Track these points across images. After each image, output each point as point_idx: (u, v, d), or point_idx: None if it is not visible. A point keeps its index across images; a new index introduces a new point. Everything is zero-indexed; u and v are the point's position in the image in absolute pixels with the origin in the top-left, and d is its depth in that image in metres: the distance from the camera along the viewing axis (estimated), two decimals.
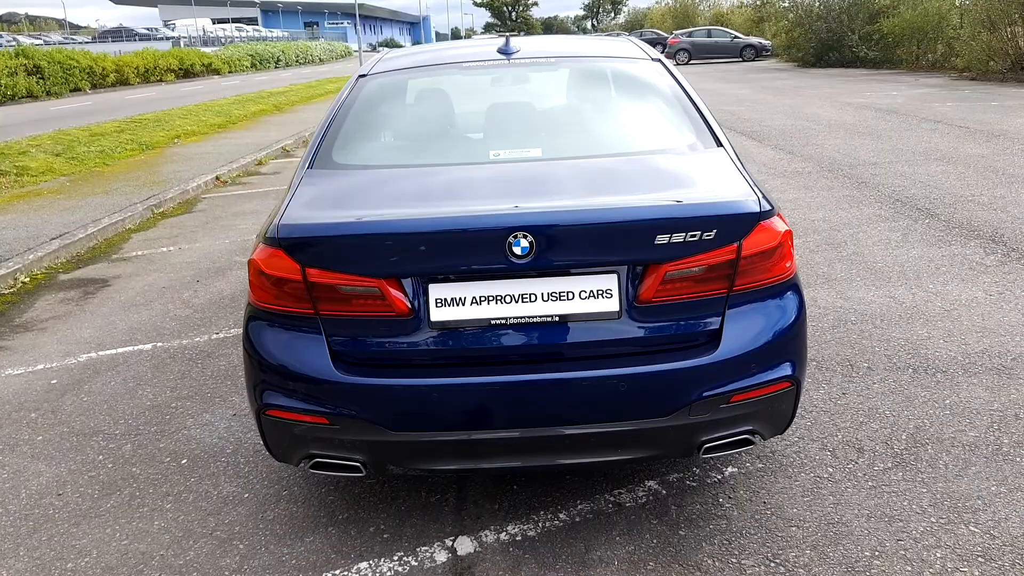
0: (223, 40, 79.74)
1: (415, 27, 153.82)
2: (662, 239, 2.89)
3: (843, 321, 5.52)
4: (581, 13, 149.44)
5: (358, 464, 3.11)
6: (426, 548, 3.38)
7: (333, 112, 3.95)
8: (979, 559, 3.11)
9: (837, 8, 34.69)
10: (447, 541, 3.42)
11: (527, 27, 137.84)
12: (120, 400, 4.91)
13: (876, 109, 17.53)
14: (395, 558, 3.33)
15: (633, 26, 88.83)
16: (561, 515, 3.53)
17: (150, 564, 3.37)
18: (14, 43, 48.35)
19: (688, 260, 2.94)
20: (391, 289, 2.94)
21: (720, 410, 3.00)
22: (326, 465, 3.17)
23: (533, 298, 2.96)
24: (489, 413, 2.97)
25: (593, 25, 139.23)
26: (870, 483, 3.65)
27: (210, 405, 4.78)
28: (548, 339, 2.99)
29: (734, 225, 2.96)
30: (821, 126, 15.42)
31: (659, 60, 4.34)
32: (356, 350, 3.03)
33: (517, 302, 2.95)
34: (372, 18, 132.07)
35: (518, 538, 3.40)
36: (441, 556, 3.33)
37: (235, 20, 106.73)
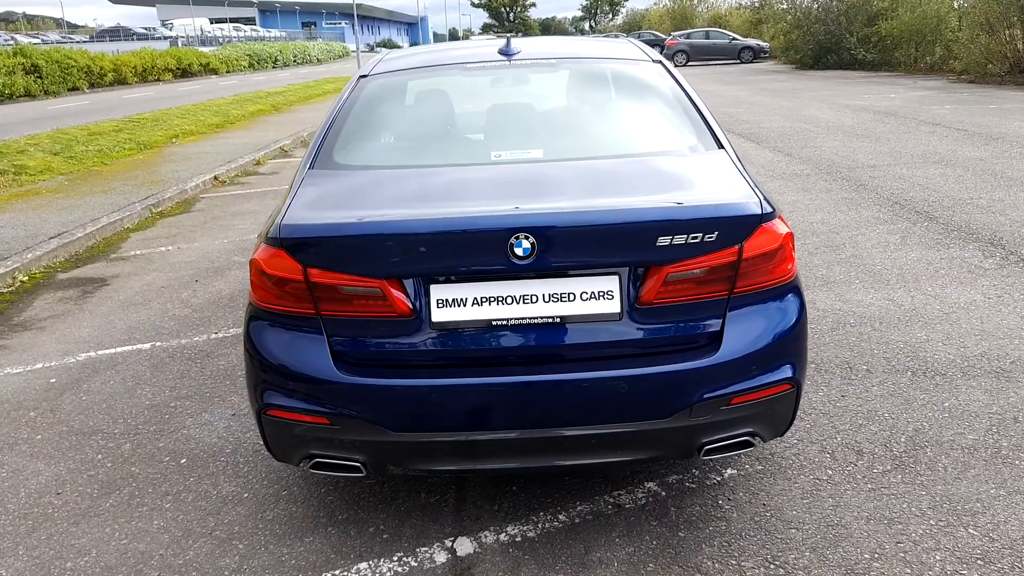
0: (221, 40, 79.73)
1: (413, 27, 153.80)
2: (664, 241, 2.90)
3: (842, 323, 5.53)
4: (579, 14, 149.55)
5: (358, 464, 3.11)
6: (426, 549, 3.38)
7: (334, 112, 3.95)
8: (978, 561, 3.12)
9: (835, 10, 34.72)
10: (447, 542, 3.42)
11: (525, 28, 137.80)
12: (119, 399, 4.90)
13: (874, 111, 17.55)
14: (395, 558, 3.33)
15: (631, 27, 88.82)
16: (561, 516, 3.54)
17: (149, 563, 3.37)
18: (12, 42, 48.24)
19: (690, 262, 2.94)
20: (392, 290, 2.94)
21: (720, 412, 3.00)
22: (326, 465, 3.17)
23: (534, 299, 2.96)
24: (490, 414, 2.97)
25: (591, 26, 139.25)
26: (869, 485, 3.65)
27: (209, 405, 4.77)
28: (549, 340, 2.99)
29: (736, 227, 2.97)
30: (819, 128, 15.44)
31: (660, 62, 4.35)
32: (357, 350, 3.03)
33: (518, 303, 2.96)
34: (370, 18, 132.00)
35: (518, 539, 3.40)
36: (441, 557, 3.33)
37: (233, 20, 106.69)
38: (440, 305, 2.95)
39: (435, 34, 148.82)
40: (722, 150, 3.57)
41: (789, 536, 3.33)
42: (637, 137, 3.91)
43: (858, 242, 7.54)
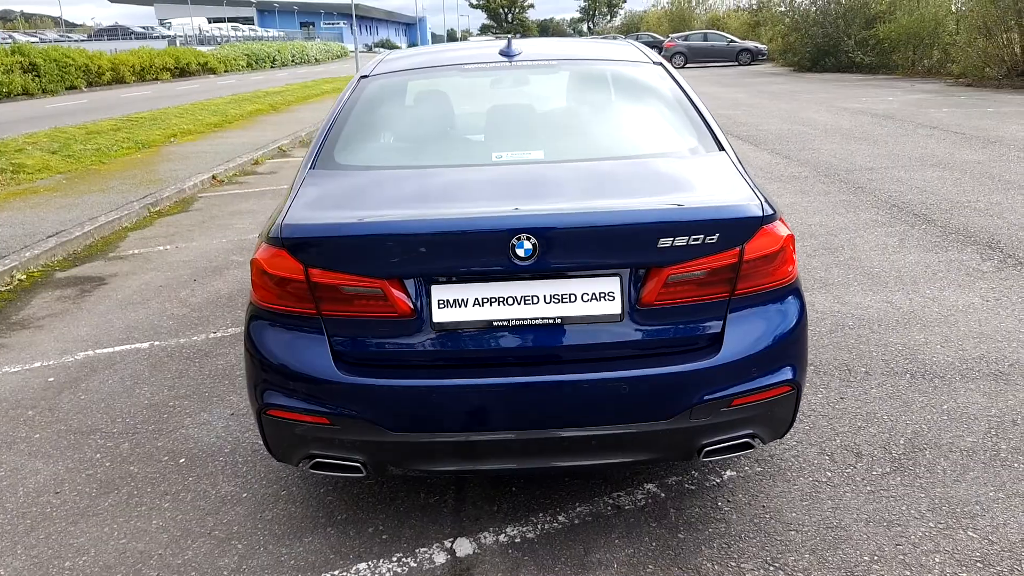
0: (219, 39, 79.71)
1: (411, 28, 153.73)
2: (665, 242, 2.90)
3: (840, 326, 5.53)
4: (577, 15, 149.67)
5: (358, 464, 3.11)
6: (425, 549, 3.38)
7: (335, 113, 3.94)
8: (978, 564, 3.12)
9: (833, 13, 34.77)
10: (446, 542, 3.42)
11: (523, 29, 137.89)
12: (118, 398, 4.90)
13: (872, 114, 17.57)
14: (394, 559, 3.32)
15: (629, 29, 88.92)
16: (560, 517, 3.54)
17: (148, 563, 3.36)
18: (10, 40, 48.18)
19: (691, 264, 2.94)
20: (394, 290, 2.94)
21: (721, 414, 3.01)
22: (326, 465, 3.17)
23: (535, 300, 2.96)
24: (491, 415, 2.97)
25: (589, 28, 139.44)
26: (868, 487, 3.65)
27: (208, 404, 4.77)
28: (550, 341, 2.99)
29: (737, 229, 2.97)
30: (817, 131, 15.45)
31: (660, 64, 4.35)
32: (358, 350, 3.03)
33: (519, 304, 2.96)
34: (368, 19, 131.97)
35: (517, 540, 3.40)
36: (440, 557, 3.33)
37: (231, 19, 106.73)
38: (441, 305, 2.95)
39: (433, 35, 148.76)
40: (723, 152, 3.58)
41: (788, 538, 3.33)
42: (638, 139, 3.91)
43: (856, 244, 7.55)
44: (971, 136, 13.77)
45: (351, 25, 53.24)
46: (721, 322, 3.03)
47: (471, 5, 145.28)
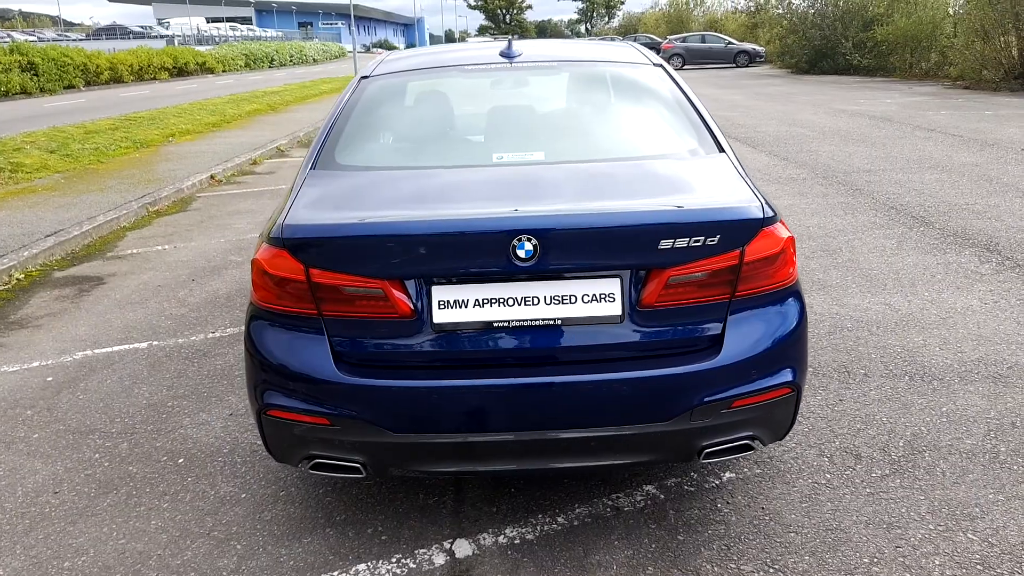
0: (217, 39, 79.67)
1: (409, 28, 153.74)
2: (666, 244, 2.90)
3: (839, 328, 5.54)
4: (575, 17, 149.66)
5: (358, 465, 3.10)
6: (424, 550, 3.37)
7: (336, 113, 3.94)
8: (978, 566, 3.12)
9: (831, 15, 34.84)
10: (445, 544, 3.41)
11: (521, 30, 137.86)
12: (116, 398, 4.89)
13: (870, 117, 17.59)
14: (393, 560, 3.32)
15: (627, 31, 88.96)
16: (559, 519, 3.53)
17: (147, 564, 3.36)
18: (8, 39, 48.12)
19: (691, 265, 2.94)
20: (394, 291, 2.93)
21: (721, 415, 3.00)
22: (326, 466, 3.16)
23: (536, 301, 2.96)
24: (491, 416, 2.97)
25: (587, 29, 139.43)
26: (868, 489, 3.65)
27: (207, 404, 4.76)
28: (550, 342, 2.99)
29: (737, 231, 2.97)
30: (815, 133, 15.47)
31: (661, 66, 4.35)
32: (358, 351, 3.03)
33: (520, 305, 2.95)
34: (366, 19, 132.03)
35: (516, 541, 3.40)
36: (439, 559, 3.32)
37: (229, 19, 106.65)
38: (442, 306, 2.95)
39: (431, 35, 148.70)
40: (723, 154, 3.58)
41: (788, 540, 3.33)
42: (639, 140, 3.92)
43: (854, 246, 7.55)
44: (969, 139, 13.79)
45: (349, 25, 53.23)
46: (721, 324, 3.03)
47: (469, 6, 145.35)
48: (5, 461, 4.23)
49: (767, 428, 3.18)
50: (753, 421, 3.10)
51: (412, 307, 2.95)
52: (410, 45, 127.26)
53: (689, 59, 43.80)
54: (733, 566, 3.19)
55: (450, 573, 3.24)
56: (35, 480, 4.03)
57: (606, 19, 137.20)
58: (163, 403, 4.81)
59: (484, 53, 4.54)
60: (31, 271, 7.79)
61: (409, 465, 3.15)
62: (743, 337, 3.03)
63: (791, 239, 3.11)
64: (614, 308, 2.96)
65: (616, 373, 2.95)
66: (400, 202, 3.23)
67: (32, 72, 32.89)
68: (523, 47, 4.48)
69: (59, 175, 12.66)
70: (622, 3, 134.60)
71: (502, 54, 4.35)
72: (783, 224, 3.11)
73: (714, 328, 3.04)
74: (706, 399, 2.95)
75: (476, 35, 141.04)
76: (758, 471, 3.83)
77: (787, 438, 3.95)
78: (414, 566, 3.28)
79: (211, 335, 5.89)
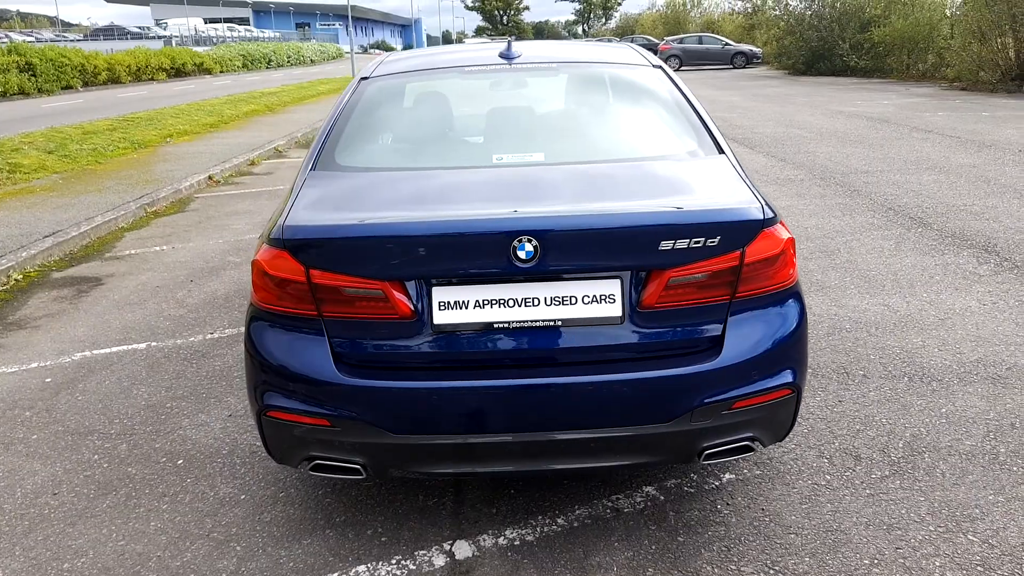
0: (215, 40, 79.66)
1: (406, 29, 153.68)
2: (666, 245, 2.90)
3: (838, 329, 5.54)
4: (572, 18, 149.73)
5: (358, 466, 3.10)
6: (424, 552, 3.37)
7: (336, 114, 3.93)
8: (978, 568, 3.12)
9: (828, 17, 34.88)
10: (445, 545, 3.41)
11: (518, 31, 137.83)
12: (115, 399, 4.88)
13: (867, 118, 17.61)
14: (393, 561, 3.32)
15: (624, 32, 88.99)
16: (559, 520, 3.53)
17: (147, 565, 3.35)
18: (6, 40, 48.07)
19: (692, 266, 2.94)
20: (395, 292, 2.93)
21: (721, 416, 3.00)
22: (326, 467, 3.16)
23: (536, 302, 2.95)
24: (492, 417, 2.97)
25: (584, 30, 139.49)
26: (868, 491, 3.65)
27: (205, 405, 4.76)
28: (551, 343, 2.99)
29: (738, 232, 2.97)
30: (813, 134, 15.48)
31: (660, 67, 4.36)
32: (358, 352, 3.02)
33: (520, 306, 2.95)
34: (364, 20, 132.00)
35: (516, 543, 3.40)
36: (439, 560, 3.32)
37: (227, 20, 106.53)
38: (442, 308, 2.95)
39: (428, 36, 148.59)
40: (723, 155, 3.58)
41: (788, 541, 3.33)
42: (639, 141, 3.92)
43: (853, 247, 7.56)
44: (966, 140, 13.81)
45: (346, 26, 53.21)
46: (722, 325, 3.03)
47: (467, 7, 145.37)
48: (4, 462, 4.22)
49: (767, 429, 3.18)
50: (753, 422, 3.10)
51: (412, 308, 2.95)
52: (407, 46, 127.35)
53: (686, 60, 43.84)
54: (733, 567, 3.19)
55: (450, 574, 3.23)
56: (34, 481, 4.03)
57: (603, 20, 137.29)
58: (162, 404, 4.80)
59: (484, 54, 4.54)
60: (29, 272, 7.78)
61: (409, 466, 3.15)
62: (743, 338, 3.03)
63: (791, 240, 3.11)
64: (614, 309, 2.96)
65: (616, 374, 2.95)
66: (400, 203, 3.23)
67: (30, 72, 32.87)
68: (522, 48, 4.48)
69: (57, 176, 12.65)
70: (619, 4, 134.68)
71: (501, 55, 4.35)
72: (783, 225, 3.11)
73: (714, 329, 3.03)
74: (707, 400, 2.95)
75: (473, 36, 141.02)
76: (758, 472, 3.83)
77: (787, 439, 3.95)
78: (414, 567, 3.28)
79: (209, 336, 5.89)
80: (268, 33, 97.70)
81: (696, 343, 3.04)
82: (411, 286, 2.95)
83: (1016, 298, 6.02)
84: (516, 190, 3.28)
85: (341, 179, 3.50)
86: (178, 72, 45.79)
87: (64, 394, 5.00)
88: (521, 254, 2.85)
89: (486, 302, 2.95)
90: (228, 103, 25.38)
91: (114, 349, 5.72)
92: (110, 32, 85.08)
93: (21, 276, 7.61)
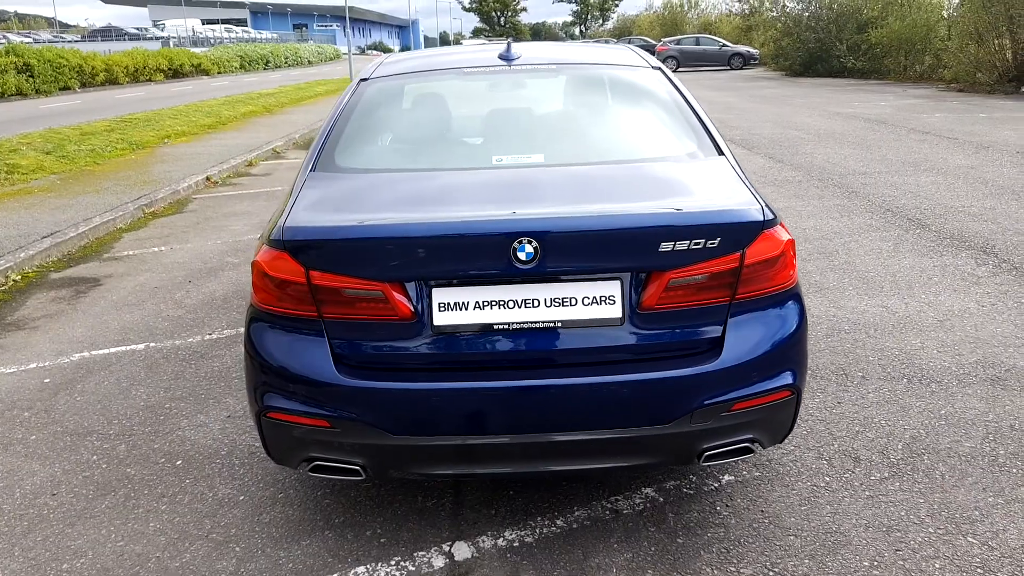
0: (212, 41, 79.53)
1: (404, 30, 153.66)
2: (666, 246, 2.90)
3: (836, 330, 5.54)
4: (570, 19, 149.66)
5: (358, 468, 3.09)
6: (423, 553, 3.37)
7: (335, 115, 3.93)
8: (978, 570, 3.12)
9: (825, 18, 34.90)
10: (444, 546, 3.41)
11: (516, 32, 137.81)
12: (114, 400, 4.88)
13: (865, 119, 17.63)
14: (392, 563, 3.31)
15: (621, 33, 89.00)
16: (559, 521, 3.53)
17: (146, 566, 3.35)
18: (4, 41, 48.03)
19: (692, 268, 2.94)
20: (395, 293, 2.93)
21: (721, 418, 3.00)
22: (326, 468, 3.15)
23: (536, 303, 2.95)
24: (492, 419, 2.97)
25: (581, 31, 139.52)
26: (867, 493, 3.66)
27: (204, 406, 4.75)
28: (551, 345, 2.99)
29: (738, 234, 2.97)
30: (810, 135, 15.49)
31: (659, 68, 4.36)
32: (358, 353, 3.02)
33: (520, 307, 2.95)
34: (361, 21, 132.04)
35: (516, 544, 3.40)
36: (438, 561, 3.32)
37: (224, 21, 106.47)
38: (442, 309, 2.95)
39: (426, 37, 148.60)
40: (722, 156, 3.59)
41: (788, 543, 3.33)
42: (638, 143, 3.92)
43: (851, 249, 7.56)
44: (964, 141, 13.83)
45: (344, 27, 53.22)
46: (722, 326, 3.03)
47: (464, 8, 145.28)
48: (3, 463, 4.22)
49: (767, 431, 3.18)
50: (753, 424, 3.10)
51: (412, 309, 2.95)
52: (405, 47, 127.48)
53: (683, 61, 43.88)
54: (733, 569, 3.19)
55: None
56: (33, 482, 4.02)
57: (600, 21, 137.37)
58: (160, 405, 4.80)
59: (483, 56, 4.54)
60: (28, 272, 7.77)
61: (409, 467, 3.15)
62: (743, 340, 3.03)
63: (791, 242, 3.12)
64: (614, 310, 2.96)
65: (616, 376, 2.95)
66: (400, 204, 3.23)
67: (28, 73, 32.83)
68: (521, 50, 4.48)
69: (55, 176, 12.63)
70: (616, 5, 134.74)
71: (501, 57, 4.35)
72: (783, 227, 3.12)
73: (714, 331, 3.03)
74: (706, 402, 2.95)
75: (470, 37, 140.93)
76: (757, 474, 3.83)
77: (786, 441, 3.95)
78: (413, 568, 3.27)
79: (208, 337, 5.88)
80: (265, 34, 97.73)
81: (696, 345, 3.04)
82: (411, 287, 2.95)
83: (1015, 299, 6.03)
84: (516, 191, 3.28)
85: (341, 180, 3.50)
86: (176, 73, 45.76)
87: (63, 395, 4.99)
88: (521, 255, 2.85)
89: (486, 303, 2.95)
90: (226, 104, 25.37)
91: (113, 350, 5.71)
92: (108, 33, 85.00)
93: (19, 277, 7.60)
